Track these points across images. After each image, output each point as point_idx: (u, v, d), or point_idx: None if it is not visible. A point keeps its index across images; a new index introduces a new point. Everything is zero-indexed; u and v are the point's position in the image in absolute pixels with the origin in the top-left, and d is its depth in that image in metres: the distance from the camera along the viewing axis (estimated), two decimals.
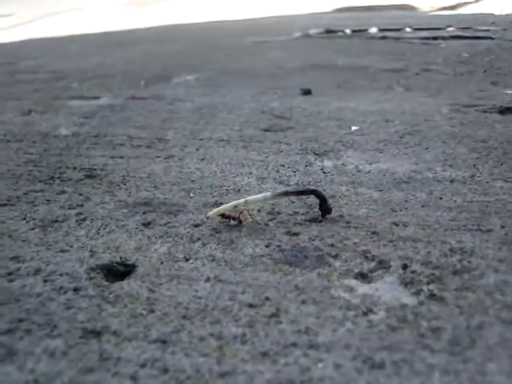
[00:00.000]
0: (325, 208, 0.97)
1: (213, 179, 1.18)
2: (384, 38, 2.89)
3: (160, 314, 0.73)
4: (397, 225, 0.94)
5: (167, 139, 1.45)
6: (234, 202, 0.96)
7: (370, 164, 1.21)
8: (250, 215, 0.97)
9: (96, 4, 6.10)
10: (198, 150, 1.36)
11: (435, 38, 2.84)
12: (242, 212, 0.96)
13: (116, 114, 1.75)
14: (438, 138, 1.35)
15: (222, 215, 0.96)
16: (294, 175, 1.17)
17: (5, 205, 1.14)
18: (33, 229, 1.02)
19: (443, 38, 2.84)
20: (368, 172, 1.17)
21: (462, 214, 0.97)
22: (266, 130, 1.46)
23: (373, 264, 0.82)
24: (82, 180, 1.23)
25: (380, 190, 1.08)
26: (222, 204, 1.02)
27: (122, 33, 4.00)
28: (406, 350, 0.64)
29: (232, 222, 0.96)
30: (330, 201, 1.04)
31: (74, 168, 1.30)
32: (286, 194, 0.99)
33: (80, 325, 0.72)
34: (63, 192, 1.17)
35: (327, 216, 0.97)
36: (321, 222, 0.96)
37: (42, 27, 4.97)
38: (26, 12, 6.30)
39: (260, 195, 0.98)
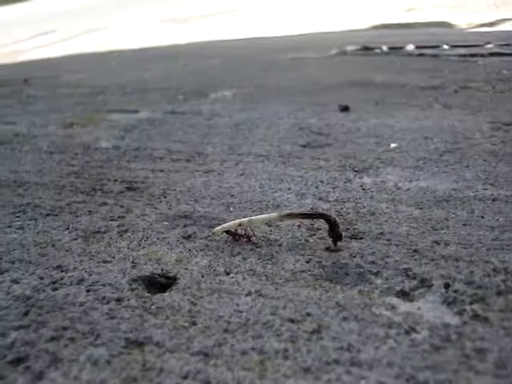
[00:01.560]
0: (336, 234, 0.93)
1: (252, 194, 1.18)
2: (421, 55, 2.88)
3: (202, 326, 0.73)
4: (438, 243, 0.93)
5: (206, 154, 1.47)
6: (239, 220, 0.96)
7: (410, 181, 1.20)
8: (253, 232, 0.98)
9: (134, 20, 6.23)
10: (237, 164, 1.37)
11: (473, 55, 2.81)
12: (249, 229, 0.97)
13: (155, 127, 1.78)
14: (478, 156, 1.33)
15: (228, 232, 0.96)
16: (333, 191, 1.17)
17: (48, 215, 1.17)
18: (75, 239, 1.04)
19: (482, 55, 2.81)
20: (408, 189, 1.16)
21: (504, 233, 0.95)
22: (305, 146, 1.47)
23: (414, 282, 0.81)
24: (122, 192, 1.25)
25: (420, 208, 1.07)
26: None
27: (159, 48, 4.07)
28: (450, 370, 0.63)
29: (240, 239, 0.96)
30: (370, 217, 1.03)
31: (115, 180, 1.33)
32: (291, 216, 0.97)
33: (123, 335, 0.73)
34: (105, 204, 1.20)
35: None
36: (361, 238, 0.96)
37: (82, 43, 5.10)
38: (67, 28, 6.46)
39: (265, 215, 0.98)
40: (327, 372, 0.63)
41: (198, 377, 0.64)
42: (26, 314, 0.81)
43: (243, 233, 0.97)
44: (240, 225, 0.96)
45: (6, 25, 7.88)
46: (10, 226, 1.14)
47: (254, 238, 0.97)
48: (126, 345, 0.71)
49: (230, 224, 0.96)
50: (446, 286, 0.80)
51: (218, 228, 0.97)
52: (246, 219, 0.97)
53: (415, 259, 0.88)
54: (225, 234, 0.96)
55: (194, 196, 1.19)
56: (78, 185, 1.32)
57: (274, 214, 0.98)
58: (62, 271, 0.92)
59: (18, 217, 1.18)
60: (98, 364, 0.68)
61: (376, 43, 3.15)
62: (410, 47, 3.04)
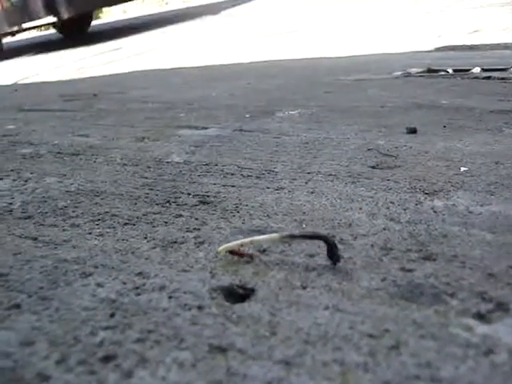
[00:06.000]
0: (334, 255, 0.95)
1: (323, 212, 1.21)
2: (488, 78, 2.84)
3: (282, 337, 0.76)
4: None
5: (276, 171, 1.50)
6: (241, 241, 1.01)
7: (482, 206, 1.20)
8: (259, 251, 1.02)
9: (198, 39, 6.39)
10: (306, 183, 1.40)
11: None
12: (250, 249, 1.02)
13: (224, 144, 1.83)
14: None
15: (231, 252, 1.01)
16: (405, 213, 1.18)
17: (126, 224, 1.23)
18: (154, 248, 1.09)
19: None
20: (480, 214, 1.16)
21: None
22: (374, 167, 1.48)
23: (491, 305, 0.82)
24: (196, 205, 1.30)
25: (493, 233, 1.07)
26: (334, 236, 1.06)
27: (223, 66, 4.17)
28: None
29: (244, 259, 1.00)
30: (443, 240, 1.04)
31: (189, 194, 1.38)
32: (292, 237, 1.02)
33: (206, 340, 0.77)
34: (180, 215, 1.25)
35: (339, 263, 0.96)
36: (435, 260, 0.97)
37: (147, 60, 5.27)
38: (132, 45, 6.69)
39: (266, 236, 1.02)
40: None
41: None
42: (112, 315, 0.86)
43: (247, 252, 1.01)
44: (242, 245, 1.00)
45: (74, 42, 8.22)
46: (90, 233, 1.20)
47: (256, 258, 1.00)
48: (209, 350, 0.75)
49: (233, 244, 1.01)
50: None
51: (222, 248, 1.01)
52: (248, 239, 1.01)
53: (491, 283, 0.88)
54: (228, 253, 1.01)
55: (266, 212, 1.23)
56: (153, 196, 1.38)
57: (275, 235, 1.01)
58: (143, 278, 0.97)
59: (97, 224, 1.24)
60: (183, 366, 0.72)
61: (441, 65, 3.13)
62: (477, 70, 3.01)
